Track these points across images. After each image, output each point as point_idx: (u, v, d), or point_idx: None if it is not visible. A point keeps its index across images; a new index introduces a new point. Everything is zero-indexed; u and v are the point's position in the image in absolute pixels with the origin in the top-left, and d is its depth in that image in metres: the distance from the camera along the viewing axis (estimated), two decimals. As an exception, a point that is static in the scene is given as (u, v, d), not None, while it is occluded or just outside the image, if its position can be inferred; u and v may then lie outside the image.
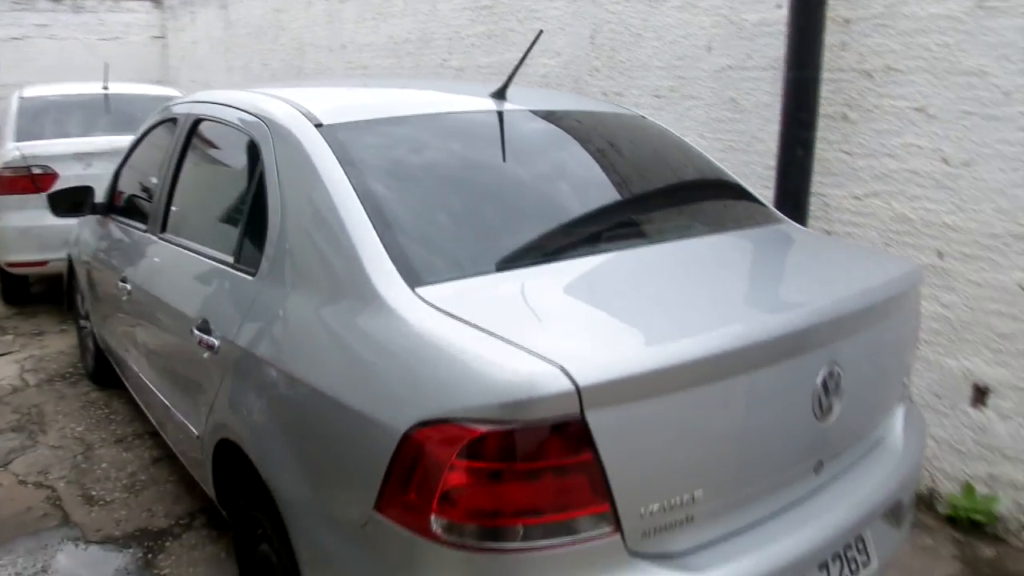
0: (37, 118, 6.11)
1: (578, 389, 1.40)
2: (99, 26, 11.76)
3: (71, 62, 11.36)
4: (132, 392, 3.66)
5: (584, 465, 1.46)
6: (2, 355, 5.12)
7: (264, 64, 8.92)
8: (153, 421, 3.35)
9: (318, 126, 2.21)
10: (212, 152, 2.89)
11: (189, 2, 10.93)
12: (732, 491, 1.71)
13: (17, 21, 11.28)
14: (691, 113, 4.05)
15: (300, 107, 2.32)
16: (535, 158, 2.43)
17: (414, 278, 1.77)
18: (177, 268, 2.73)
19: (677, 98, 4.12)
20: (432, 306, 1.68)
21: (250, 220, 2.31)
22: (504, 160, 2.34)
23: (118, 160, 4.23)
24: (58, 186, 5.20)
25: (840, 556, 1.95)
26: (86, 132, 6.02)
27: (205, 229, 2.73)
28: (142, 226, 3.19)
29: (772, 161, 3.48)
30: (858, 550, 2.01)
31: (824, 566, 1.90)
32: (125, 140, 5.41)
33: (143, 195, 3.32)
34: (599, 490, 1.48)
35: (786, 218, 2.70)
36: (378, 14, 6.64)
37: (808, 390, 1.78)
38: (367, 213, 1.91)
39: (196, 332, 2.36)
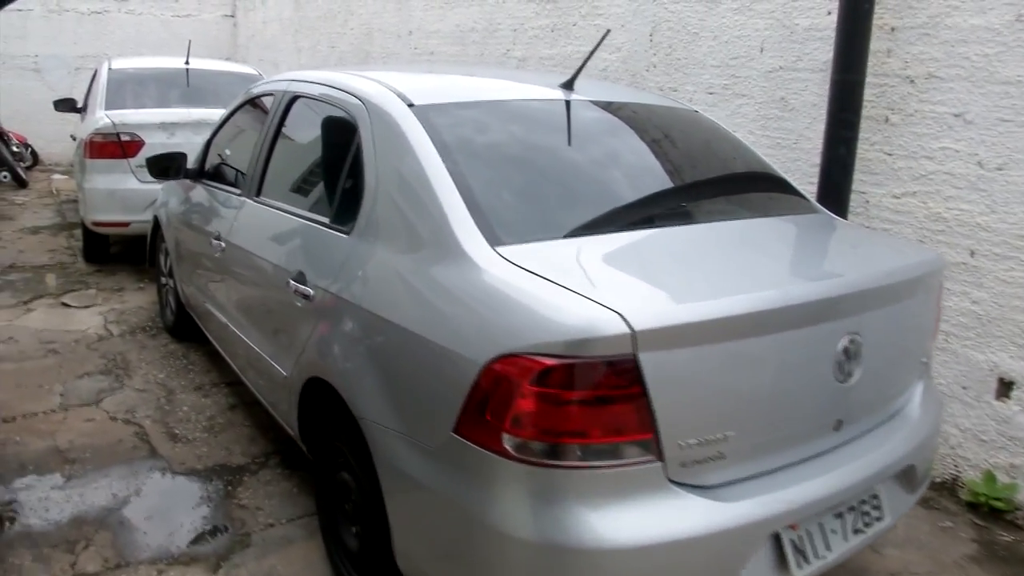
0: (124, 88, 6.51)
1: (633, 332, 1.68)
2: (174, 3, 12.25)
3: (146, 37, 11.90)
4: (215, 343, 3.98)
5: (633, 397, 1.73)
6: (87, 307, 5.52)
7: (332, 47, 9.19)
8: (235, 368, 3.66)
9: (410, 106, 2.50)
10: (309, 125, 3.18)
11: (261, -17, 11.30)
12: (759, 435, 1.96)
13: (98, -5, 11.85)
14: (742, 110, 4.25)
15: (394, 88, 2.61)
16: (598, 143, 2.69)
17: (494, 238, 2.06)
18: (273, 227, 3.03)
19: (730, 95, 4.32)
20: (509, 261, 1.97)
21: (346, 186, 2.61)
22: (570, 143, 2.61)
23: (199, 130, 4.52)
24: (144, 153, 5.56)
25: (855, 508, 2.18)
26: (169, 104, 6.42)
27: (301, 194, 3.04)
28: (236, 190, 3.50)
29: (817, 159, 3.67)
30: (872, 506, 2.24)
31: (840, 515, 2.14)
32: (205, 112, 5.81)
33: (236, 163, 3.63)
34: (645, 420, 1.75)
35: (823, 209, 2.93)
36: (446, 3, 6.86)
37: (830, 354, 2.02)
38: (455, 183, 2.20)
39: (292, 283, 2.66)
